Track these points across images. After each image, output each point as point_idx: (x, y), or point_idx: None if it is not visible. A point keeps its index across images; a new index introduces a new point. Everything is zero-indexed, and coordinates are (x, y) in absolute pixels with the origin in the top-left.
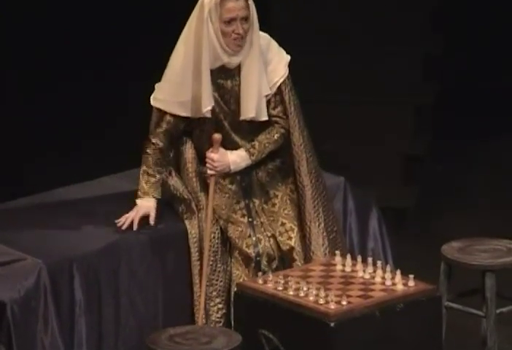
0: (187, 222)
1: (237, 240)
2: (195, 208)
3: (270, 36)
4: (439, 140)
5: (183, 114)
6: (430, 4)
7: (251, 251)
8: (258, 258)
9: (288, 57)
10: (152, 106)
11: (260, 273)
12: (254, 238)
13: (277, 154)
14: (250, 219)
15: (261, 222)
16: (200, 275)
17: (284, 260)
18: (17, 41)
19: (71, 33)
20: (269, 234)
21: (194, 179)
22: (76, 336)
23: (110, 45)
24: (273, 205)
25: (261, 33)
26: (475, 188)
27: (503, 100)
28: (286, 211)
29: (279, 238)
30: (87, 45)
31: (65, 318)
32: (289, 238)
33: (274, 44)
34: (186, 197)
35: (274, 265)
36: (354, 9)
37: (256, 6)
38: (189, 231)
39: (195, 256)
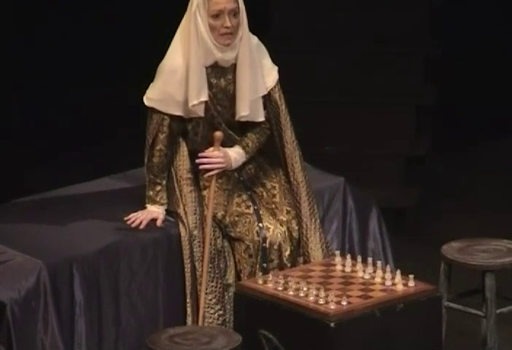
0: (180, 226)
1: (247, 233)
2: (183, 215)
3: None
4: (439, 140)
5: (177, 113)
6: (430, 4)
7: (259, 239)
8: (264, 244)
9: (276, 67)
10: (147, 110)
11: (265, 265)
12: (261, 225)
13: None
14: (256, 207)
15: (267, 210)
16: (194, 279)
17: (295, 248)
18: (17, 42)
19: (69, 34)
20: (284, 219)
21: (188, 187)
22: (76, 336)
23: (111, 48)
24: (274, 196)
25: (251, 34)
26: (475, 188)
27: (503, 101)
28: (287, 200)
29: (289, 225)
30: (87, 47)
31: (65, 318)
32: (297, 224)
33: (264, 48)
34: (176, 208)
35: (286, 254)
36: (354, 9)
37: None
38: (182, 237)
39: (187, 262)
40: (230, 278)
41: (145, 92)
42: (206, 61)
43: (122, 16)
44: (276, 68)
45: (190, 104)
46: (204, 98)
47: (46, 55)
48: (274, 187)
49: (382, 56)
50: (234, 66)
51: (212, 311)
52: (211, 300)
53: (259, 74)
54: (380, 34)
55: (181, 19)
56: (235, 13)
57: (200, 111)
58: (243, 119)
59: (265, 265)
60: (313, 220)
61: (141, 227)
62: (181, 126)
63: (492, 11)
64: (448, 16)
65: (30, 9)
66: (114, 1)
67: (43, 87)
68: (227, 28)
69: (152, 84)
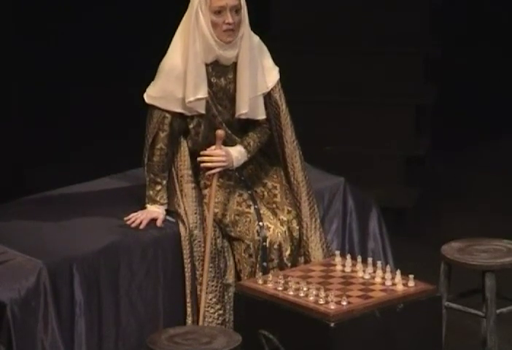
0: (180, 226)
1: (247, 232)
2: (184, 215)
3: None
4: (439, 140)
5: (178, 110)
6: (430, 4)
7: (259, 238)
8: (264, 243)
9: (277, 67)
10: (148, 108)
11: (265, 264)
12: (261, 224)
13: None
14: (256, 207)
15: (268, 209)
16: (194, 279)
17: (295, 248)
18: (17, 42)
19: (69, 34)
20: (284, 219)
21: (188, 187)
22: (76, 336)
23: (111, 48)
24: (275, 195)
25: (252, 33)
26: (475, 188)
27: (503, 101)
28: (288, 200)
29: (290, 225)
30: (87, 47)
31: (65, 318)
32: (298, 224)
33: (265, 47)
34: (177, 208)
35: (287, 254)
36: (354, 9)
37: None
38: (182, 236)
39: (187, 261)
40: (230, 278)
41: (145, 91)
42: (206, 58)
43: (122, 16)
44: (276, 68)
45: (187, 100)
46: (201, 95)
47: (46, 54)
48: (275, 187)
49: (382, 56)
50: (235, 65)
51: (212, 311)
52: (211, 299)
53: (259, 72)
54: (380, 33)
55: (182, 18)
56: (237, 10)
57: (201, 109)
58: (243, 117)
59: (265, 264)
60: (313, 220)
61: (141, 227)
62: (183, 125)
63: (492, 11)
64: (448, 16)
65: (30, 9)
66: (114, 1)
67: (43, 87)
68: (229, 24)
69: (152, 83)
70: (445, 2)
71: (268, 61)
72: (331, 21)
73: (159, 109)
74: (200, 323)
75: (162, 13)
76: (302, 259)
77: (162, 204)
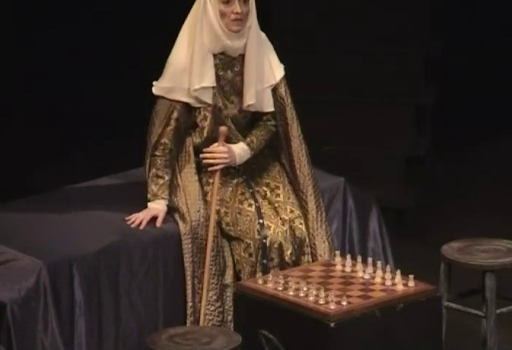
0: (180, 224)
1: (248, 231)
2: (186, 212)
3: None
4: (439, 140)
5: (185, 99)
6: (430, 4)
7: (259, 237)
8: (264, 241)
9: (282, 65)
10: (154, 104)
11: (265, 261)
12: (261, 221)
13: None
14: (257, 205)
15: (270, 208)
16: (194, 279)
17: (297, 247)
18: (17, 42)
19: (69, 34)
20: (286, 218)
21: (192, 185)
22: (76, 336)
23: (111, 48)
24: (277, 195)
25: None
26: (475, 188)
27: (503, 101)
28: (291, 200)
29: (292, 224)
30: (87, 47)
31: (65, 318)
32: (301, 223)
33: (270, 44)
34: (180, 205)
35: (288, 253)
36: (354, 9)
37: (256, 7)
38: (182, 235)
39: (187, 260)
40: (229, 278)
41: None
42: (213, 48)
43: (122, 16)
44: (282, 65)
45: (192, 88)
46: (207, 83)
47: (46, 54)
48: (278, 187)
49: (382, 56)
50: (242, 58)
51: (213, 308)
52: (211, 297)
53: (266, 65)
54: (380, 33)
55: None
56: (245, 0)
57: (207, 98)
58: (250, 109)
59: (265, 261)
60: (319, 213)
61: (142, 226)
62: (189, 121)
63: (492, 11)
64: (448, 16)
65: (30, 9)
66: (114, 1)
67: (43, 87)
68: (237, 14)
69: (161, 76)
70: (446, 2)
71: (274, 57)
72: (331, 21)
73: (166, 99)
74: (201, 321)
75: (162, 13)
76: (305, 259)
77: (163, 198)
